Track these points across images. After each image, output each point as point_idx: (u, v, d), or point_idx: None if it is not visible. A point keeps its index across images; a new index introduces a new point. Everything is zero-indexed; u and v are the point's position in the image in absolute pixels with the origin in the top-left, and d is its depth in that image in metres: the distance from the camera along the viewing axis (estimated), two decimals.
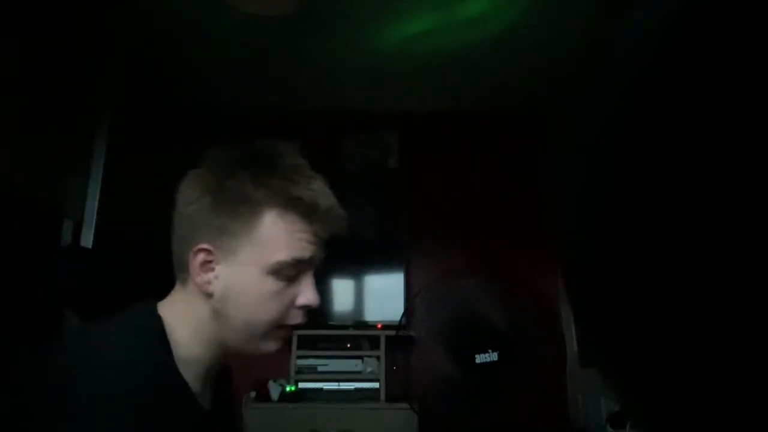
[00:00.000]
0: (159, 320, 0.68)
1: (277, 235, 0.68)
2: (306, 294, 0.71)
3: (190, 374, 0.68)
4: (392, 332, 2.24)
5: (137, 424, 0.58)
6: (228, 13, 2.10)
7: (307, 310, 0.72)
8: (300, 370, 2.57)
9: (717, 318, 0.25)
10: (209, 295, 0.69)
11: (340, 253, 2.91)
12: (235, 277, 0.68)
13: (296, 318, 0.71)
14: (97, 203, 1.84)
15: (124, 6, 2.10)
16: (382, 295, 2.78)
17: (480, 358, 1.75)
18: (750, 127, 0.23)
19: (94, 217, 1.83)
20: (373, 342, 2.66)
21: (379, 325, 2.66)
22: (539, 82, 2.77)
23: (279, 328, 0.71)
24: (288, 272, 0.69)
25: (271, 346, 0.71)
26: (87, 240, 1.79)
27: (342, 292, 2.84)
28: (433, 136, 3.12)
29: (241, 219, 0.68)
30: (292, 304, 0.71)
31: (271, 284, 0.68)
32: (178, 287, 0.73)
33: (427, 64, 2.61)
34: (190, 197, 0.71)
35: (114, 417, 0.56)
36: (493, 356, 1.74)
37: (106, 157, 1.91)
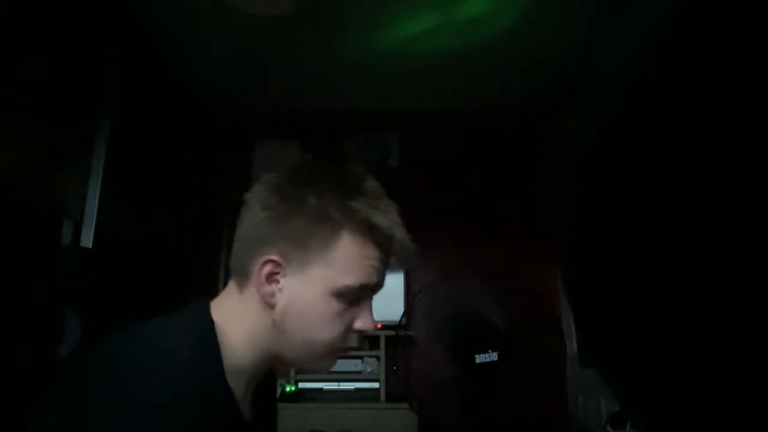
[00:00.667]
0: (212, 325, 0.66)
1: (350, 259, 0.68)
2: (364, 319, 0.71)
3: (237, 381, 0.66)
4: (392, 332, 2.24)
5: None
6: (228, 13, 2.10)
7: (362, 334, 0.73)
8: (300, 370, 2.57)
9: (717, 318, 0.25)
10: (270, 307, 0.68)
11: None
12: (301, 294, 0.68)
13: (352, 342, 0.73)
14: (97, 203, 1.84)
15: (124, 6, 2.10)
16: (382, 295, 2.74)
17: (480, 358, 1.75)
18: (750, 126, 0.23)
19: (94, 217, 1.82)
20: (373, 342, 2.65)
21: (379, 325, 2.66)
22: (539, 82, 2.77)
23: (335, 349, 0.71)
24: (352, 297, 0.69)
25: (324, 365, 0.72)
26: (87, 240, 1.79)
27: None
28: (433, 136, 3.11)
29: (318, 237, 0.67)
30: (350, 328, 0.71)
31: (335, 306, 0.68)
32: (233, 290, 0.71)
33: (427, 64, 2.60)
34: (267, 203, 0.69)
35: (157, 426, 0.55)
36: (493, 356, 1.75)
37: (106, 157, 1.91)
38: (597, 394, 2.37)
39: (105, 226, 1.85)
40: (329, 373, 2.57)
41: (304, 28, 2.30)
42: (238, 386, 0.67)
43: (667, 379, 0.27)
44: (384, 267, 0.72)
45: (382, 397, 2.52)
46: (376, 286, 0.72)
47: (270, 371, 0.78)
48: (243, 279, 0.70)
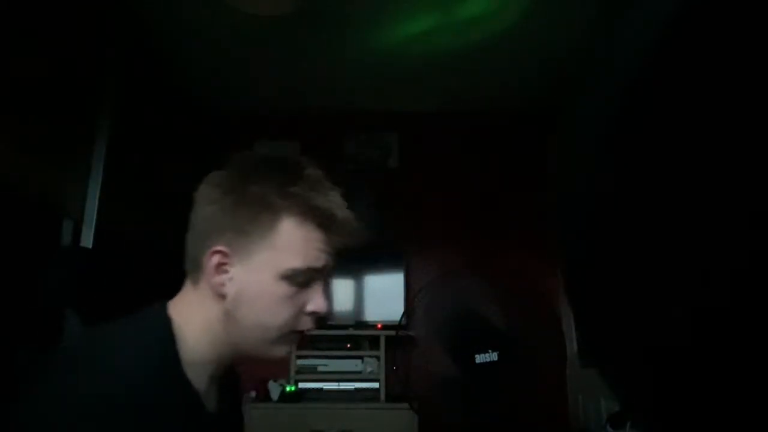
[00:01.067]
0: (168, 321, 0.68)
1: (293, 242, 0.70)
2: (316, 301, 0.72)
3: (197, 375, 0.68)
4: (392, 332, 2.24)
5: (138, 424, 0.58)
6: (228, 13, 2.10)
7: (317, 317, 0.73)
8: (300, 370, 2.57)
9: (717, 318, 0.25)
10: (222, 297, 0.70)
11: (340, 253, 2.91)
12: (249, 281, 0.70)
13: (306, 324, 0.73)
14: (97, 203, 1.84)
15: (124, 6, 2.10)
16: (382, 295, 2.77)
17: (480, 358, 1.75)
18: (750, 127, 0.23)
19: (94, 217, 1.82)
20: (373, 342, 2.66)
21: (379, 325, 2.66)
22: (539, 82, 2.77)
23: (289, 333, 0.72)
24: (300, 279, 0.70)
25: (280, 351, 0.72)
26: (87, 240, 1.79)
27: (342, 292, 2.84)
28: (433, 136, 3.11)
29: (260, 223, 0.69)
30: (302, 311, 0.72)
31: (284, 289, 0.70)
32: (189, 287, 0.74)
33: (427, 64, 2.61)
34: (212, 197, 0.72)
35: (114, 417, 0.57)
36: (493, 356, 1.74)
37: (106, 157, 1.91)
38: (597, 394, 2.37)
39: (105, 226, 1.85)
40: (329, 373, 2.57)
41: (304, 28, 2.30)
42: (200, 380, 0.69)
43: (666, 379, 0.27)
44: (330, 249, 0.73)
45: (382, 397, 2.52)
46: (325, 268, 0.72)
47: (231, 369, 0.80)
48: (195, 274, 0.72)
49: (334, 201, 0.73)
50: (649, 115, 0.27)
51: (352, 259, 2.86)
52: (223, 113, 3.02)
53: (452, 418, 1.78)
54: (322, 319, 2.67)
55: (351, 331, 2.67)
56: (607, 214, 0.29)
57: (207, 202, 0.72)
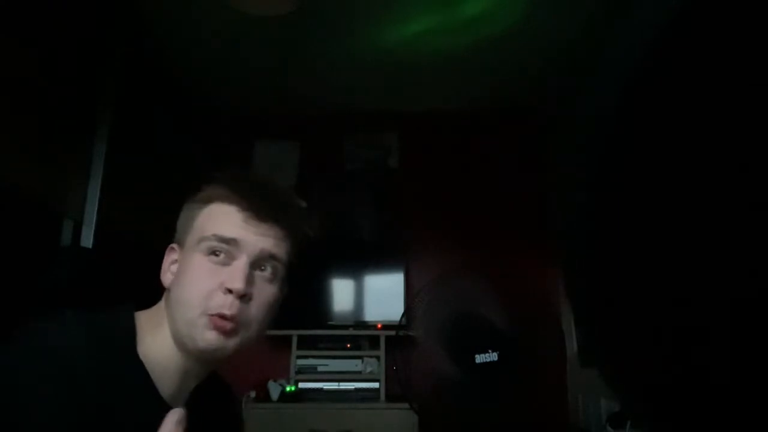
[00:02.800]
0: (130, 317, 0.72)
1: (208, 218, 0.74)
2: (231, 278, 0.71)
3: (162, 376, 0.70)
4: (392, 332, 2.24)
5: (76, 396, 0.60)
6: (228, 12, 2.10)
7: (237, 297, 0.71)
8: (300, 370, 2.57)
9: (717, 317, 0.25)
10: (168, 290, 0.74)
11: (341, 253, 2.92)
12: (180, 264, 0.75)
13: (224, 306, 0.70)
14: (97, 203, 1.84)
15: (124, 6, 2.10)
16: (382, 295, 2.77)
17: (480, 358, 1.75)
18: (750, 128, 0.23)
19: (94, 217, 1.83)
20: (373, 342, 2.66)
21: (379, 325, 2.66)
22: (539, 82, 2.77)
23: (211, 315, 0.70)
24: (217, 252, 0.72)
25: (205, 335, 0.70)
26: (87, 240, 1.79)
27: (342, 292, 2.84)
28: (433, 136, 3.11)
29: (192, 214, 0.76)
30: (219, 288, 0.71)
31: (202, 263, 0.72)
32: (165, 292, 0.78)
33: (427, 64, 2.61)
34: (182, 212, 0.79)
35: (52, 396, 0.59)
36: (493, 356, 1.74)
37: (106, 157, 1.91)
38: (597, 394, 2.37)
39: (105, 226, 1.85)
40: (329, 373, 2.57)
41: (304, 28, 2.30)
42: (163, 381, 0.70)
43: (667, 379, 0.27)
44: (246, 222, 0.73)
45: (382, 397, 2.52)
46: (241, 243, 0.72)
47: (217, 379, 0.83)
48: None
49: (254, 182, 0.79)
50: (649, 115, 0.27)
51: (352, 259, 2.88)
52: (224, 113, 3.02)
53: (452, 418, 1.78)
54: (320, 319, 2.68)
55: (351, 331, 2.67)
56: (608, 214, 0.29)
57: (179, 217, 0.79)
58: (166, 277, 0.76)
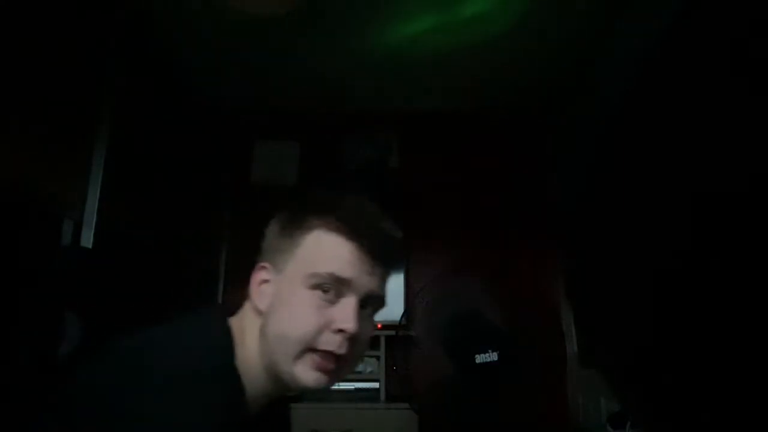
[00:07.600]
0: (228, 328, 0.71)
1: (318, 251, 0.71)
2: (342, 318, 0.69)
3: (249, 389, 0.68)
4: (392, 332, 2.24)
5: (189, 413, 0.58)
6: (229, 12, 2.10)
7: (347, 338, 0.69)
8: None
9: (716, 318, 0.25)
10: (260, 312, 0.72)
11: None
12: (280, 292, 0.72)
13: (329, 342, 0.69)
14: (97, 203, 1.84)
15: (124, 6, 2.10)
16: None
17: (480, 358, 1.75)
18: (749, 129, 0.23)
19: (94, 217, 1.82)
20: (373, 342, 2.65)
21: (379, 325, 2.66)
22: (539, 82, 2.77)
23: (314, 352, 0.69)
24: (326, 288, 0.69)
25: (305, 374, 0.68)
26: (87, 240, 1.79)
27: None
28: (433, 136, 3.11)
29: (294, 239, 0.73)
30: (328, 327, 0.69)
31: (309, 298, 0.69)
32: (247, 303, 0.76)
33: (427, 64, 2.60)
34: (269, 227, 0.78)
35: (176, 411, 0.57)
36: (493, 356, 1.75)
37: (106, 157, 1.91)
38: (597, 394, 2.37)
39: (105, 226, 1.85)
40: None
41: (304, 28, 2.30)
42: (252, 397, 0.69)
43: (666, 379, 0.27)
44: (360, 261, 0.71)
45: (382, 397, 2.52)
46: (354, 282, 0.70)
47: (284, 408, 0.83)
48: (249, 292, 0.76)
49: (364, 211, 0.75)
50: (649, 116, 0.27)
51: None
52: (223, 113, 3.01)
53: (452, 418, 1.78)
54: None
55: None
56: (608, 214, 0.29)
57: (266, 233, 0.78)
58: (261, 300, 0.73)
